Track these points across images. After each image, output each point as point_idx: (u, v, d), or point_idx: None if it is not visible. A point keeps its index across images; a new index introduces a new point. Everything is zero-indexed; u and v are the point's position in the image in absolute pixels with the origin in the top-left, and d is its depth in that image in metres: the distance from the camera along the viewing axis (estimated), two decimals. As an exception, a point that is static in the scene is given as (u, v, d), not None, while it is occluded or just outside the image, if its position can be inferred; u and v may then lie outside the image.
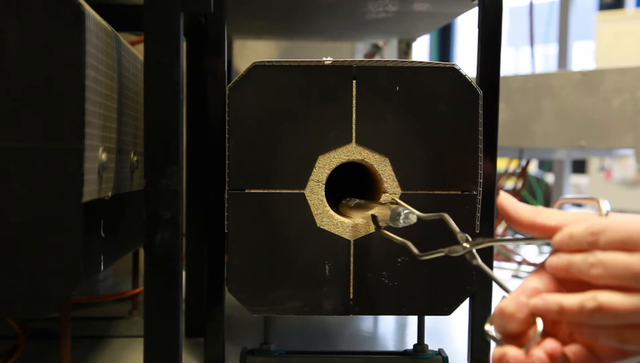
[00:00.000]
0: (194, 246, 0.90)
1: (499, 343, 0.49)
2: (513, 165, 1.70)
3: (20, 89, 0.52)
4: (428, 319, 0.80)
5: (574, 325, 0.48)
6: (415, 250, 0.61)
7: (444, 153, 0.70)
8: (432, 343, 0.77)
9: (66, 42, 0.53)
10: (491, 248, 0.75)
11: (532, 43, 1.86)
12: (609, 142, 1.60)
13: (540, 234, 0.51)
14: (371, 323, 0.98)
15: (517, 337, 0.49)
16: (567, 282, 0.50)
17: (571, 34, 2.62)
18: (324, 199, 0.70)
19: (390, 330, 0.97)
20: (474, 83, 0.71)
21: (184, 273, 0.70)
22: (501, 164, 1.51)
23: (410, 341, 0.87)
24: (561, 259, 0.49)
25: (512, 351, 0.47)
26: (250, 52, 1.53)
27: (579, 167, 3.73)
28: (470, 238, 0.55)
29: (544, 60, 3.95)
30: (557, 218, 0.51)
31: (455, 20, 3.44)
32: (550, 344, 0.47)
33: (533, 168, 2.95)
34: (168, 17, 0.60)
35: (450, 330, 0.95)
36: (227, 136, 0.69)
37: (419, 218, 0.61)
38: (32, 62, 0.52)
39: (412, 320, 0.98)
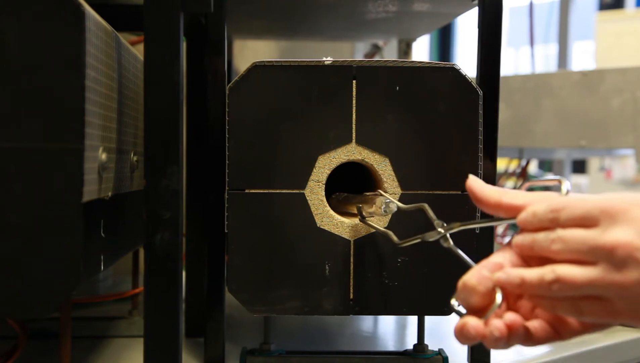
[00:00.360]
0: (194, 246, 0.90)
1: (463, 316, 0.50)
2: (513, 165, 1.70)
3: (20, 89, 0.52)
4: (428, 319, 0.80)
5: (534, 297, 0.50)
6: (395, 239, 0.65)
7: (444, 153, 0.70)
8: (432, 343, 0.77)
9: (66, 42, 0.53)
10: (491, 244, 0.75)
11: (532, 43, 1.86)
12: (609, 142, 1.60)
13: (506, 214, 0.53)
14: (371, 323, 0.98)
15: (480, 310, 0.50)
16: (531, 260, 0.51)
17: (571, 34, 2.62)
18: (324, 199, 0.70)
19: (390, 330, 0.97)
20: (474, 83, 0.71)
21: (184, 273, 0.70)
22: (501, 164, 1.50)
23: (410, 341, 0.87)
24: (526, 237, 0.51)
25: (472, 321, 0.49)
26: (250, 52, 1.53)
27: (579, 167, 3.73)
28: (445, 224, 0.57)
29: (544, 60, 3.95)
30: (522, 198, 0.53)
31: (455, 20, 3.44)
32: (510, 316, 0.49)
33: (533, 168, 2.95)
34: (168, 17, 0.60)
35: (450, 330, 0.95)
36: (227, 136, 0.69)
37: (399, 208, 0.65)
38: (32, 62, 0.52)
39: (412, 320, 0.98)
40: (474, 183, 0.55)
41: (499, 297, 0.49)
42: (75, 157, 0.53)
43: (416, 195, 0.70)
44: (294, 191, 0.70)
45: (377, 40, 1.36)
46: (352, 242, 0.70)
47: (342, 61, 0.70)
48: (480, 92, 0.71)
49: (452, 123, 0.70)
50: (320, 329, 0.93)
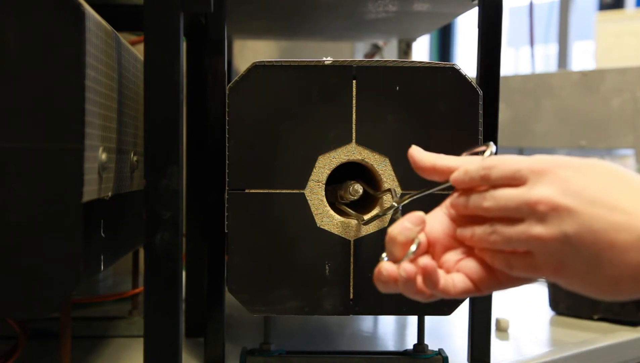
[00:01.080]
0: (194, 246, 0.90)
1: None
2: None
3: (20, 89, 0.52)
4: (428, 319, 0.80)
5: (481, 250, 0.53)
6: (362, 219, 0.70)
7: (444, 153, 0.70)
8: (432, 343, 0.77)
9: (66, 42, 0.53)
10: None
11: (532, 43, 1.87)
12: (609, 142, 1.60)
13: (441, 177, 0.56)
14: (371, 323, 0.98)
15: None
16: (459, 220, 0.55)
17: (571, 34, 2.62)
18: (324, 199, 0.70)
19: (390, 330, 0.97)
20: (474, 83, 0.71)
21: (184, 273, 0.70)
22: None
23: (410, 341, 0.87)
24: (460, 196, 0.54)
25: (386, 265, 0.52)
26: (250, 52, 1.53)
27: (579, 167, 3.71)
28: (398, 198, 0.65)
29: (544, 60, 3.95)
30: (454, 160, 0.56)
31: (455, 20, 3.44)
32: (424, 260, 0.52)
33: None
34: (168, 17, 0.60)
35: (450, 330, 0.95)
36: (227, 136, 0.69)
37: (367, 191, 0.71)
38: (32, 62, 0.52)
39: (412, 320, 0.98)
40: (413, 150, 0.58)
41: (413, 247, 0.52)
42: (75, 157, 0.53)
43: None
44: (294, 191, 0.70)
45: (377, 40, 1.36)
46: (352, 242, 0.70)
47: (342, 61, 0.70)
48: (480, 92, 0.71)
49: (452, 123, 0.70)
50: (320, 329, 0.93)
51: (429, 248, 0.54)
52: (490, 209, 0.52)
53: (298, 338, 0.89)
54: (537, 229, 0.49)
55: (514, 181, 0.51)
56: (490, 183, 0.52)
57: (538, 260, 0.50)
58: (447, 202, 0.56)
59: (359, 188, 0.70)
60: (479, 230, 0.53)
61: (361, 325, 0.97)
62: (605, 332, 0.94)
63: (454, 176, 0.55)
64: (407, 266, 0.51)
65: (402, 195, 0.68)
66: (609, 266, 0.47)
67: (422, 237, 0.53)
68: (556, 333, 0.96)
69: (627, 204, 0.47)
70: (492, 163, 0.52)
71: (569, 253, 0.48)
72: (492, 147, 0.56)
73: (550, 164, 0.50)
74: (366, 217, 0.70)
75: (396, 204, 0.64)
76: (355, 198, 0.70)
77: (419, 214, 0.54)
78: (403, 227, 0.53)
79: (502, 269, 0.52)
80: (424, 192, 0.61)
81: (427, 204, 0.69)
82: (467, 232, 0.54)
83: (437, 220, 0.55)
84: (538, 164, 0.50)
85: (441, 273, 0.52)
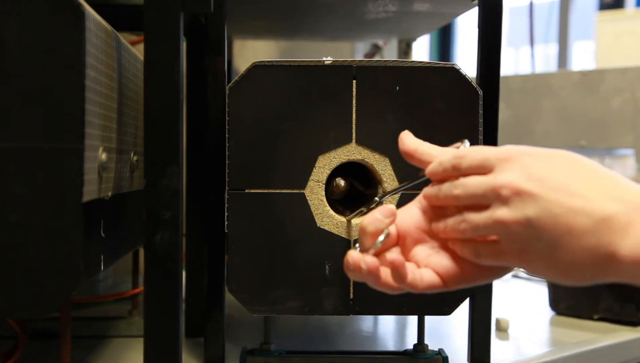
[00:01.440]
0: (194, 246, 0.90)
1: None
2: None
3: (20, 89, 0.52)
4: (428, 319, 0.80)
5: (452, 241, 0.55)
6: (348, 214, 0.71)
7: (444, 153, 0.70)
8: (432, 343, 0.77)
9: (66, 42, 0.53)
10: None
11: (532, 43, 1.87)
12: (609, 142, 1.61)
13: (421, 163, 0.58)
14: (371, 323, 0.98)
15: (376, 254, 0.54)
16: (432, 213, 0.56)
17: (571, 34, 2.62)
18: (324, 199, 0.70)
19: (390, 330, 0.97)
20: (474, 83, 0.71)
21: (184, 273, 0.70)
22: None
23: (410, 341, 0.87)
24: (433, 187, 0.56)
25: (353, 253, 0.53)
26: (250, 52, 1.53)
27: (579, 167, 3.71)
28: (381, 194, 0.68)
29: (544, 60, 3.95)
30: (436, 148, 0.58)
31: (455, 20, 3.44)
32: (392, 254, 0.53)
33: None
34: (168, 17, 0.60)
35: (450, 330, 0.95)
36: (227, 136, 0.69)
37: (356, 189, 0.73)
38: (32, 62, 0.52)
39: (412, 320, 0.98)
40: (404, 134, 0.60)
41: (381, 237, 0.54)
42: (75, 157, 0.53)
43: (416, 195, 0.70)
44: (294, 191, 0.70)
45: (377, 40, 1.36)
46: (352, 242, 0.70)
47: (342, 61, 0.70)
48: (480, 92, 0.71)
49: (452, 123, 0.70)
50: (320, 329, 0.93)
51: (400, 241, 0.56)
52: (459, 197, 0.53)
53: (298, 338, 0.89)
54: (501, 212, 0.50)
55: (483, 169, 0.52)
56: (461, 171, 0.54)
57: (503, 246, 0.51)
58: (420, 196, 0.57)
59: (340, 182, 0.71)
60: (451, 221, 0.54)
61: (361, 325, 0.97)
62: (605, 332, 0.94)
63: (429, 168, 0.56)
64: (369, 260, 0.53)
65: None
66: (568, 251, 0.49)
67: (392, 229, 0.55)
68: (556, 333, 0.96)
69: (587, 190, 0.49)
70: (464, 152, 0.54)
71: (531, 237, 0.50)
72: (466, 143, 0.58)
73: (516, 153, 0.52)
74: (350, 215, 0.71)
75: (378, 199, 0.66)
76: (339, 192, 0.71)
77: (390, 206, 0.55)
78: (373, 218, 0.54)
79: (471, 258, 0.54)
80: (403, 186, 0.64)
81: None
82: (440, 225, 0.55)
83: (410, 214, 0.57)
84: (505, 152, 0.52)
85: (411, 267, 0.54)
